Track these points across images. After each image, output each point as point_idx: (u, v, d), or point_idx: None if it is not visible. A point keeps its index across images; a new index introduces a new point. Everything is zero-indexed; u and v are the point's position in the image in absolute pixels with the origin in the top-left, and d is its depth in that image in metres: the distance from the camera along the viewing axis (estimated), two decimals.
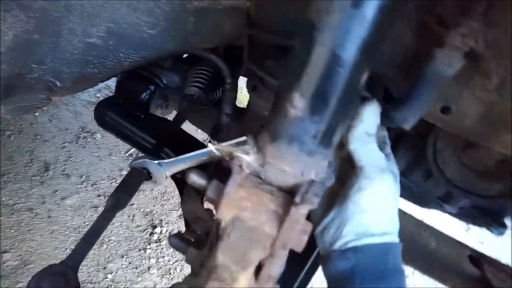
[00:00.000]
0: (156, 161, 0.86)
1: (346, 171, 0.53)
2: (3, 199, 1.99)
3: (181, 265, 2.07)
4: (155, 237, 2.16)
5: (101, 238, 2.00)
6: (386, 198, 0.50)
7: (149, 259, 2.02)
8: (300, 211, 0.40)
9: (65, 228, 2.00)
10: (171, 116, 1.28)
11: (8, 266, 1.73)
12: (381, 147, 0.57)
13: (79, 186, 2.27)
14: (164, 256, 2.07)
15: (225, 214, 0.44)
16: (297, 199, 0.41)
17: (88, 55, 0.93)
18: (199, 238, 0.72)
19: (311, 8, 0.41)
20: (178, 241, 0.59)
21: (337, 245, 0.48)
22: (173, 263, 2.06)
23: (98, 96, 3.10)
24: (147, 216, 2.26)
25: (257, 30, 0.74)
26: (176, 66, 1.21)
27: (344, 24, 0.39)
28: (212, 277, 0.40)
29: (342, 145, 0.52)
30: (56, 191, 2.17)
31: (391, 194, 0.51)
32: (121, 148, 2.67)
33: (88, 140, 2.63)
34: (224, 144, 0.50)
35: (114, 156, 2.59)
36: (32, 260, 1.79)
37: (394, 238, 0.50)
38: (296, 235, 0.40)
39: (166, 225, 2.26)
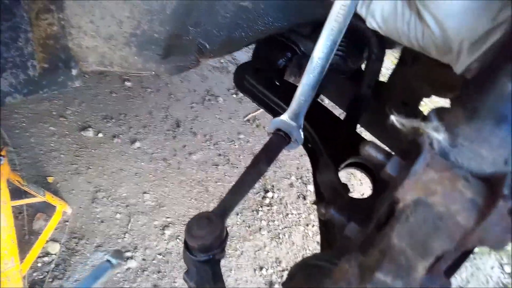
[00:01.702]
0: (286, 117, 0.84)
1: None
2: (144, 147, 2.30)
3: (289, 232, 2.13)
4: (267, 201, 2.26)
5: (219, 194, 2.18)
6: None
7: (261, 221, 2.13)
8: (508, 205, 0.34)
9: (191, 180, 2.23)
10: None
11: (147, 205, 2.03)
12: None
13: (203, 144, 2.48)
14: (274, 220, 2.16)
15: (407, 194, 0.40)
16: (505, 190, 0.34)
17: (238, 18, 0.96)
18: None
19: None
20: (336, 213, 0.57)
21: None
22: (282, 228, 2.13)
23: (222, 61, 3.28)
24: (261, 179, 2.37)
25: None
26: (316, 33, 1.16)
27: None
28: (387, 259, 0.37)
29: None
30: (185, 146, 2.42)
31: None
32: (240, 113, 2.80)
33: (212, 102, 2.82)
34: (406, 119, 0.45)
35: (234, 119, 2.74)
36: (165, 203, 2.06)
37: None
38: (500, 232, 0.34)
39: (278, 191, 2.34)
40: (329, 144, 0.95)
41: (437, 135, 0.40)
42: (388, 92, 1.05)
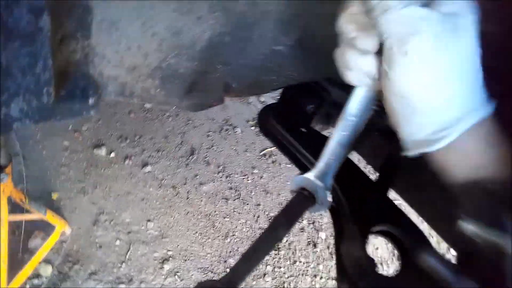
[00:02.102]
0: (312, 176, 0.75)
1: None
2: (155, 172, 2.24)
3: (295, 282, 1.99)
4: None
5: (226, 230, 2.08)
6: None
7: (266, 266, 2.00)
8: None
9: (198, 212, 2.14)
10: None
11: (149, 234, 1.94)
12: None
13: (215, 175, 2.40)
14: (280, 267, 2.02)
15: None
16: None
17: (270, 62, 0.90)
18: None
19: None
20: None
21: None
22: (288, 277, 2.00)
23: None
24: (270, 220, 2.26)
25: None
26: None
27: None
28: None
29: None
30: (196, 175, 2.34)
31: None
32: (257, 146, 2.73)
33: (229, 133, 2.77)
34: None
35: (249, 152, 2.67)
36: (169, 234, 1.97)
37: None
38: None
39: (287, 235, 2.21)
40: (356, 209, 0.86)
41: None
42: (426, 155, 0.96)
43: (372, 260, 0.76)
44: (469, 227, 0.38)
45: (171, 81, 0.91)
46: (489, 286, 0.32)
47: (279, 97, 1.21)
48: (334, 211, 0.90)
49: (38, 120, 0.76)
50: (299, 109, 1.13)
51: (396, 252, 0.87)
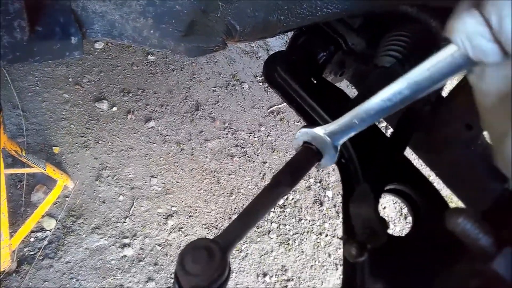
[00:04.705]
0: (322, 132, 0.65)
1: None
2: (159, 127, 2.17)
3: (300, 239, 1.98)
4: (280, 202, 2.10)
5: (231, 188, 2.04)
6: None
7: (271, 223, 1.98)
8: None
9: (203, 169, 2.09)
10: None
11: (153, 190, 1.91)
12: None
13: (221, 131, 2.33)
14: (285, 224, 2.00)
15: None
16: None
17: None
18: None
19: None
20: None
21: None
22: (292, 234, 1.98)
23: (252, 45, 3.09)
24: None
25: None
26: (366, 28, 0.97)
27: None
28: None
29: None
30: (202, 131, 2.27)
31: None
32: (264, 103, 2.63)
33: (236, 88, 2.66)
34: None
35: (257, 109, 2.57)
36: (173, 190, 1.93)
37: None
38: None
39: (293, 192, 2.17)
40: (369, 167, 0.78)
41: None
42: (448, 111, 0.86)
43: (384, 221, 0.69)
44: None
45: (166, 20, 0.81)
46: None
47: (287, 44, 1.09)
48: (344, 168, 0.82)
49: (13, 59, 0.67)
50: (310, 57, 1.02)
51: (403, 211, 0.80)
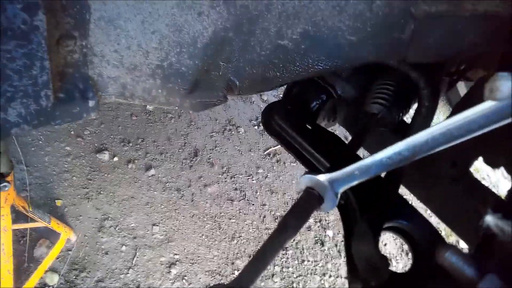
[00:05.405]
0: (325, 179, 0.71)
1: None
2: (159, 175, 2.22)
3: (304, 281, 1.96)
4: None
5: (232, 232, 2.05)
6: None
7: (274, 266, 1.97)
8: None
9: (203, 214, 2.11)
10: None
11: (155, 239, 1.91)
12: None
13: (219, 176, 2.38)
14: (288, 267, 1.99)
15: None
16: None
17: (274, 57, 0.87)
18: None
19: None
20: None
21: None
22: (296, 277, 1.97)
23: None
24: (276, 220, 2.23)
25: None
26: (355, 77, 1.07)
27: None
28: None
29: None
30: (201, 177, 2.32)
31: None
32: (261, 146, 2.71)
33: (233, 132, 2.74)
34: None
35: (253, 152, 2.64)
36: (175, 238, 1.94)
37: None
38: None
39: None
40: (367, 206, 0.83)
41: None
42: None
43: (386, 258, 0.73)
44: (492, 220, 0.35)
45: (172, 80, 0.88)
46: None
47: (282, 95, 1.18)
48: (343, 208, 0.87)
49: (37, 124, 0.74)
50: (304, 106, 1.10)
51: (404, 247, 0.85)
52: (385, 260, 0.72)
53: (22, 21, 0.58)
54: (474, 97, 0.83)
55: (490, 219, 0.41)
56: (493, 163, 0.84)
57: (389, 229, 0.86)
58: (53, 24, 0.65)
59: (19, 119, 0.70)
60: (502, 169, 0.80)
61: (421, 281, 0.75)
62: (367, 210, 0.82)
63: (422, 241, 0.83)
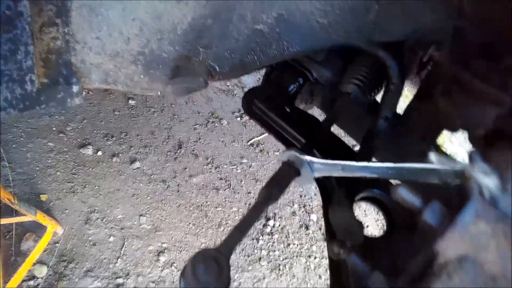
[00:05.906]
0: (306, 158, 0.77)
1: None
2: (144, 168, 2.24)
3: (290, 263, 2.03)
4: (268, 229, 2.17)
5: (219, 220, 2.09)
6: None
7: (261, 250, 2.03)
8: None
9: (189, 204, 2.15)
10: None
11: (142, 229, 1.94)
12: None
13: (204, 167, 2.41)
14: (275, 251, 2.06)
15: (449, 248, 0.34)
16: None
17: (251, 42, 0.92)
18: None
19: None
20: (359, 260, 0.50)
21: None
22: (282, 259, 2.03)
23: (228, 84, 3.26)
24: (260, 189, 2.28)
25: (470, 23, 0.60)
26: (330, 60, 1.12)
27: None
28: None
29: None
30: (186, 168, 2.35)
31: None
32: (244, 136, 2.75)
33: (216, 125, 2.78)
34: (443, 158, 0.39)
35: (237, 143, 2.69)
36: (162, 227, 1.97)
37: None
38: None
39: (279, 219, 2.25)
40: (342, 178, 0.89)
41: (487, 179, 0.34)
42: (405, 126, 1.00)
43: (360, 223, 0.79)
44: (435, 157, 0.41)
45: (154, 66, 0.92)
46: None
47: (261, 80, 1.23)
48: (321, 181, 0.93)
49: (23, 108, 0.77)
50: (282, 89, 1.15)
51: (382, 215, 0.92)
52: (360, 225, 0.79)
53: (7, 7, 0.60)
54: (429, 85, 0.90)
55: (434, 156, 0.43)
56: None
57: (364, 199, 0.92)
58: (36, 11, 0.68)
59: (5, 103, 0.72)
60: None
61: (393, 243, 0.82)
62: (342, 181, 0.88)
63: (395, 210, 0.90)
